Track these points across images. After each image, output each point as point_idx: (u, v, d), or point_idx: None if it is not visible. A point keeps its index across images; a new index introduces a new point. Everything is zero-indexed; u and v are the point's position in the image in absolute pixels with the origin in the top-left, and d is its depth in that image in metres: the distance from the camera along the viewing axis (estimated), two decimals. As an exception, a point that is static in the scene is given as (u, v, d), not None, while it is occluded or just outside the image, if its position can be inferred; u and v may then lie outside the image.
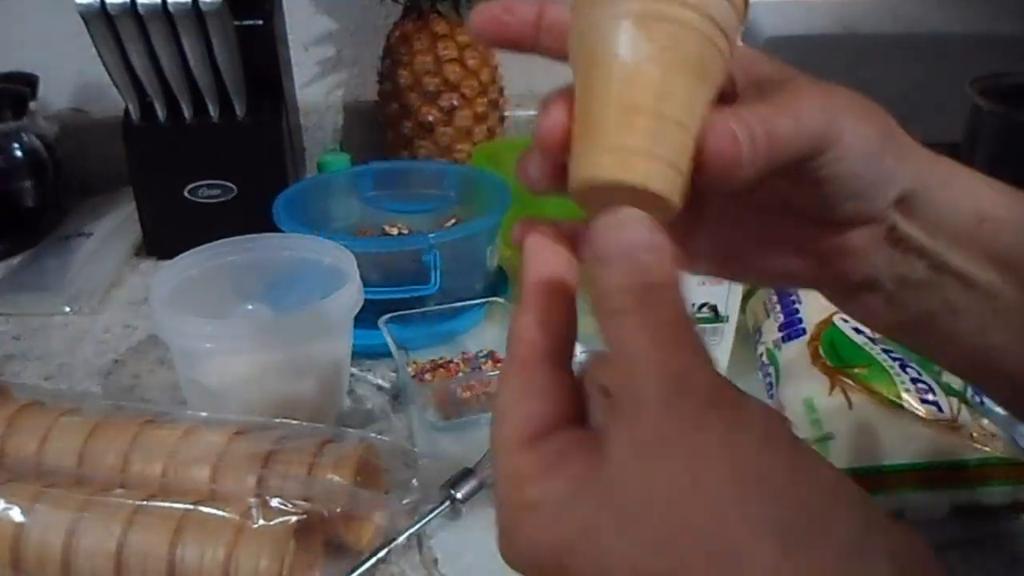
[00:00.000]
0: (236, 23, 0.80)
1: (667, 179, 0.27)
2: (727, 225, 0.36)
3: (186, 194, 0.84)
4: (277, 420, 0.54)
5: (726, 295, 0.64)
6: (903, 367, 0.59)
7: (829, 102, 0.31)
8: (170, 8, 0.74)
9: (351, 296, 0.58)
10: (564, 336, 0.30)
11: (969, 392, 0.61)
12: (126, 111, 0.83)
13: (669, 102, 0.27)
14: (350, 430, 0.55)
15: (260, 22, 0.84)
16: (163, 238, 0.87)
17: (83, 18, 0.74)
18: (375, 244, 0.75)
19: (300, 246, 0.65)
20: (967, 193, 0.35)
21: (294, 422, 0.54)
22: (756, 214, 0.35)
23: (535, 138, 0.30)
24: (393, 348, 0.64)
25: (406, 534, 0.50)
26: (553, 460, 0.26)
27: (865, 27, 1.17)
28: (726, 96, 0.30)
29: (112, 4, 0.73)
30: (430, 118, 0.96)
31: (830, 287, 0.38)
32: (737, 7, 0.28)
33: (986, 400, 0.63)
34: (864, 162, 0.32)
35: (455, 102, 0.96)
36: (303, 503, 0.45)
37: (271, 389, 0.58)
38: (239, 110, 0.83)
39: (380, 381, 0.68)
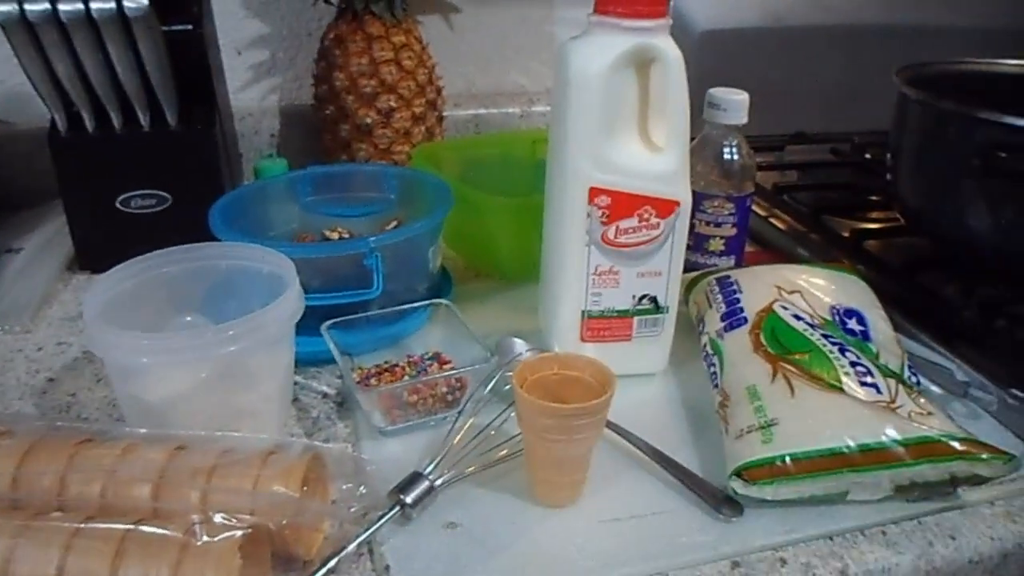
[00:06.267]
0: (164, 29, 0.79)
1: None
2: None
3: (118, 205, 0.82)
4: (219, 433, 0.53)
5: (665, 286, 0.65)
6: (842, 351, 0.60)
7: None
8: (94, 15, 0.72)
9: (291, 304, 0.57)
10: None
11: (906, 373, 0.63)
12: (52, 121, 0.80)
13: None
14: (295, 440, 0.54)
15: (189, 27, 0.82)
16: (96, 251, 0.85)
17: (2, 27, 0.72)
18: (315, 250, 0.73)
19: (238, 255, 0.64)
20: None
21: (237, 434, 0.53)
22: None
23: None
24: (336, 354, 0.63)
25: (355, 542, 0.50)
26: None
27: (796, 19, 1.19)
28: None
29: (32, 12, 0.71)
30: (368, 120, 0.95)
31: None
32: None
33: (922, 379, 0.65)
34: None
35: (392, 103, 0.95)
36: (248, 517, 0.44)
37: (212, 401, 0.57)
38: (171, 118, 0.81)
39: (325, 388, 0.68)
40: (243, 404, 0.58)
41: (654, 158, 0.61)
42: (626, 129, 0.61)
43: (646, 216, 0.62)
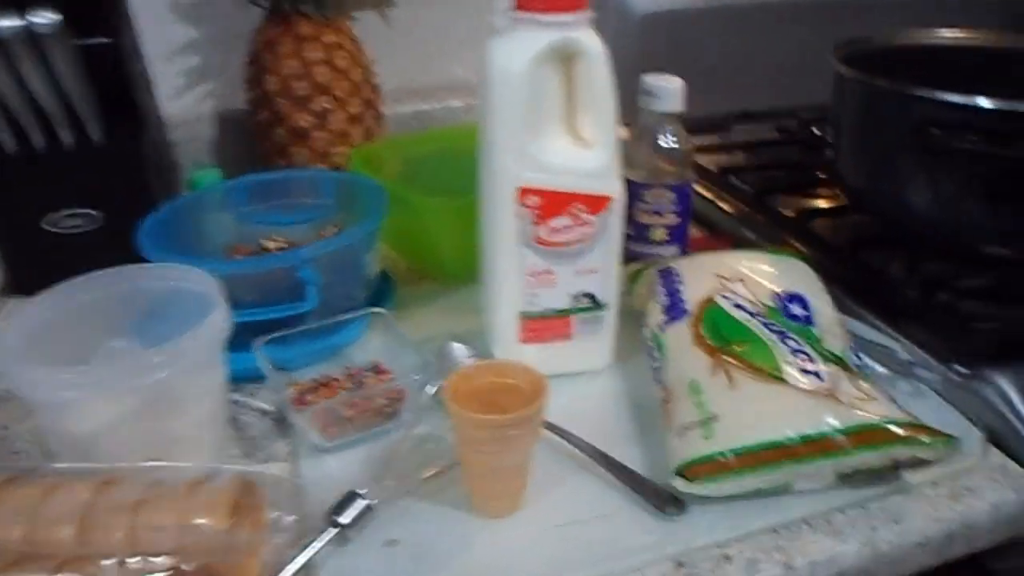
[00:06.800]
0: (80, 43, 0.76)
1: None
2: None
3: (46, 226, 0.80)
4: (149, 463, 0.51)
5: (603, 283, 0.64)
6: (783, 339, 0.60)
7: None
8: (1, 34, 0.70)
9: (215, 326, 0.56)
10: None
11: (849, 355, 0.62)
12: (-31, 144, 0.78)
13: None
14: (225, 466, 0.53)
15: (107, 40, 0.80)
16: (27, 274, 0.82)
17: (-95, 51, 0.69)
18: (245, 265, 0.72)
19: (165, 275, 0.62)
20: None
21: (167, 464, 0.51)
22: None
23: None
24: (269, 372, 0.61)
25: (291, 570, 0.49)
26: None
27: (736, -3, 1.18)
28: None
29: (-64, 33, 0.68)
30: (303, 123, 0.93)
31: None
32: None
33: (866, 360, 0.64)
34: None
35: (327, 105, 0.93)
36: (166, 560, 0.43)
37: (141, 431, 0.55)
38: (93, 133, 0.79)
39: (264, 405, 0.66)
40: (173, 431, 0.56)
41: (582, 154, 0.60)
42: (552, 126, 0.60)
43: (577, 213, 0.61)
